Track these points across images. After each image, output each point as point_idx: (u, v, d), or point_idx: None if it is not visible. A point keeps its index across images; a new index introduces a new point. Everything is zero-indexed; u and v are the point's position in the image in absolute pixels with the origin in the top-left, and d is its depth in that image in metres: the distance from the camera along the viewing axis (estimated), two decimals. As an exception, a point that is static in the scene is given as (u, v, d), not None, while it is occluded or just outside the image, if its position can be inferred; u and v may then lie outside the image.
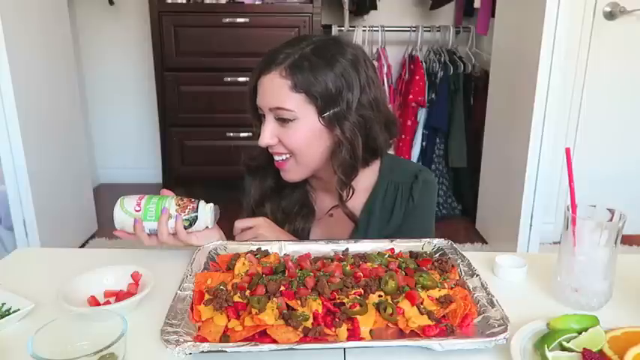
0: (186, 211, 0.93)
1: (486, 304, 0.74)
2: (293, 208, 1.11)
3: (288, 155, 1.01)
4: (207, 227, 0.95)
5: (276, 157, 1.02)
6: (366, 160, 1.05)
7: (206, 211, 0.94)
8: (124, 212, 0.92)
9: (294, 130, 0.97)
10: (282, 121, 0.97)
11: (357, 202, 1.09)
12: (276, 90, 0.95)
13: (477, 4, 2.81)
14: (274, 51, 0.98)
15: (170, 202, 0.93)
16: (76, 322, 0.67)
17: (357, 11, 2.93)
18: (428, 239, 0.96)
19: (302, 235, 1.10)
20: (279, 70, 0.94)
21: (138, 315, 0.77)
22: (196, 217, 0.93)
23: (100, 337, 0.61)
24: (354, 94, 0.97)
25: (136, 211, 0.92)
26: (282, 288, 0.74)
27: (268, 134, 0.98)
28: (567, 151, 0.83)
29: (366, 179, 1.09)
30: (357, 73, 0.97)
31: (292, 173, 1.04)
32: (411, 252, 0.91)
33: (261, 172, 1.12)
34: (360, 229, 1.09)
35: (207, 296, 0.75)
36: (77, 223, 2.54)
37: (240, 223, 1.02)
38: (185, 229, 0.93)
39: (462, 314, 0.72)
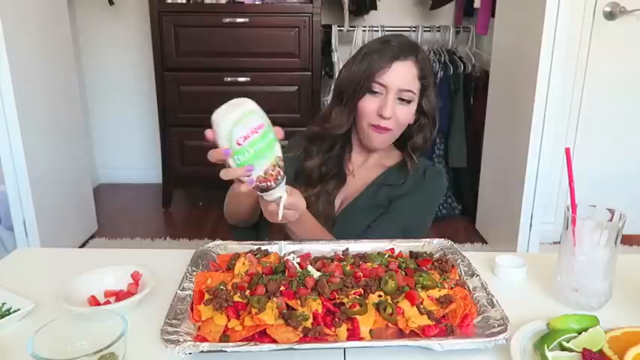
0: (272, 178, 0.83)
1: (486, 304, 0.74)
2: (331, 170, 1.20)
3: (390, 129, 1.14)
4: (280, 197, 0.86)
5: (381, 127, 1.13)
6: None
7: (281, 188, 0.85)
8: (227, 134, 0.82)
9: (406, 110, 1.14)
10: (403, 100, 1.12)
11: (373, 174, 1.21)
12: (411, 75, 1.12)
13: (477, 4, 2.81)
14: (397, 40, 1.13)
15: (268, 162, 0.82)
16: (76, 322, 0.67)
17: (357, 11, 2.93)
18: (428, 239, 0.96)
19: (327, 198, 1.18)
20: (413, 59, 1.12)
21: (138, 315, 0.77)
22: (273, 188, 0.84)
23: (100, 337, 0.61)
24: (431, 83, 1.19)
25: (238, 144, 0.81)
26: (282, 288, 0.75)
27: (392, 108, 1.11)
28: (567, 151, 0.83)
29: (392, 159, 1.24)
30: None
31: (386, 142, 1.19)
32: (411, 252, 0.92)
33: (326, 141, 1.20)
34: (369, 192, 1.18)
35: (207, 296, 0.75)
36: (77, 223, 2.54)
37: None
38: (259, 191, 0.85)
39: (462, 314, 0.72)
